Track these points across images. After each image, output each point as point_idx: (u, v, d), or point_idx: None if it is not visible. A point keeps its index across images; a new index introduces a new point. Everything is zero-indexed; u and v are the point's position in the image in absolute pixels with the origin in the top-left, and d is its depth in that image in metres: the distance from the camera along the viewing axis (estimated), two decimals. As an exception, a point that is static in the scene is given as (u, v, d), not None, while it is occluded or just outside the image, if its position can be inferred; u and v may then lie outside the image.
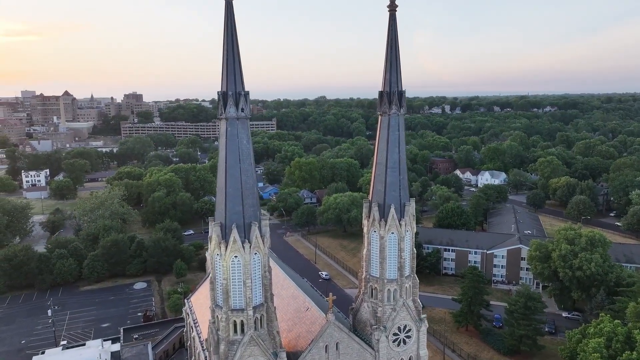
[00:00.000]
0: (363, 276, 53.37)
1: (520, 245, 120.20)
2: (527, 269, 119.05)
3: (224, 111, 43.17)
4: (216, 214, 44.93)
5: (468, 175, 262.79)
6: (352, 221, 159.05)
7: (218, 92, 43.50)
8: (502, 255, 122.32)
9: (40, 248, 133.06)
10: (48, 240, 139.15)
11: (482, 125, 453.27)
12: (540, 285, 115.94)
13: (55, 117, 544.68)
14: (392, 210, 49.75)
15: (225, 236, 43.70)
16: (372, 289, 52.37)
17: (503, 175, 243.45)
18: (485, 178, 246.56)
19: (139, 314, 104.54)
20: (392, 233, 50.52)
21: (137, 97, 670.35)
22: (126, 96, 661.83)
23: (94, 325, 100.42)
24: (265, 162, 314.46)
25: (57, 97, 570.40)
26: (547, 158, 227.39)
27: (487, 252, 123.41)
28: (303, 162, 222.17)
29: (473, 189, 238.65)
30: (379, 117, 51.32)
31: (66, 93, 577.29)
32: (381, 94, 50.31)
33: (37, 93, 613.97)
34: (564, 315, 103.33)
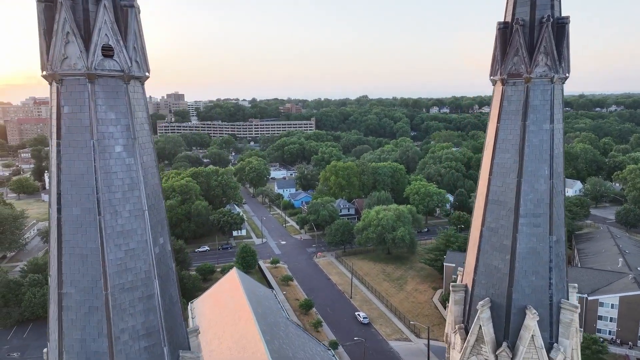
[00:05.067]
0: None
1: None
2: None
3: (49, 52, 14.55)
4: (48, 347, 16.41)
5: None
6: (398, 242, 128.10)
7: None
8: (612, 305, 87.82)
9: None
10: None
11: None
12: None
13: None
14: (532, 323, 19.55)
15: None
16: None
17: (578, 185, 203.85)
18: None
19: (113, 371, 78.57)
20: (528, 378, 20.27)
21: (178, 97, 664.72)
22: (167, 96, 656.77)
23: (50, 388, 75.02)
24: (298, 164, 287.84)
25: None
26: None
27: (589, 298, 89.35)
28: (340, 166, 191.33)
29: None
30: (496, 87, 21.14)
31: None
32: (505, 27, 20.11)
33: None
34: None
